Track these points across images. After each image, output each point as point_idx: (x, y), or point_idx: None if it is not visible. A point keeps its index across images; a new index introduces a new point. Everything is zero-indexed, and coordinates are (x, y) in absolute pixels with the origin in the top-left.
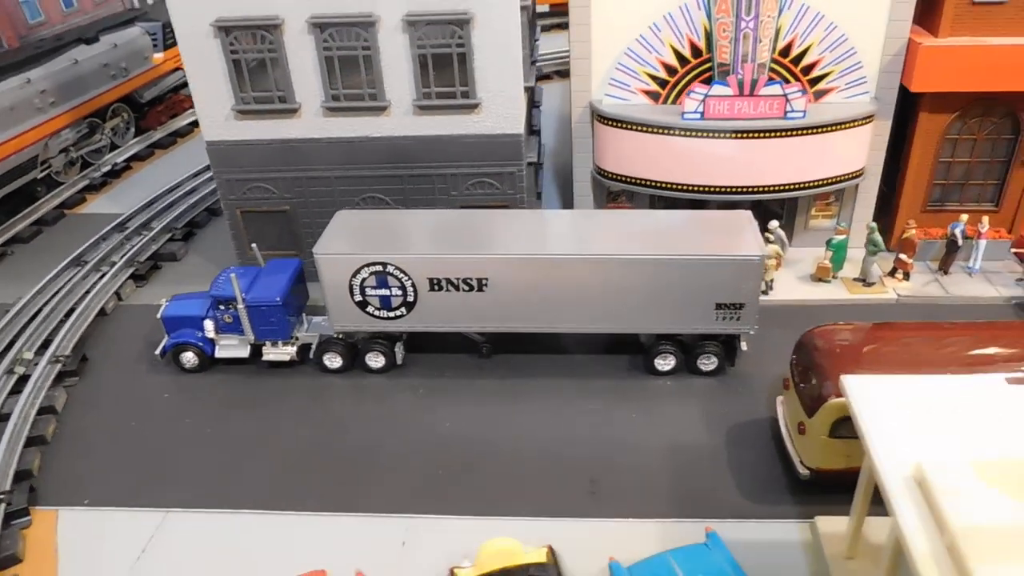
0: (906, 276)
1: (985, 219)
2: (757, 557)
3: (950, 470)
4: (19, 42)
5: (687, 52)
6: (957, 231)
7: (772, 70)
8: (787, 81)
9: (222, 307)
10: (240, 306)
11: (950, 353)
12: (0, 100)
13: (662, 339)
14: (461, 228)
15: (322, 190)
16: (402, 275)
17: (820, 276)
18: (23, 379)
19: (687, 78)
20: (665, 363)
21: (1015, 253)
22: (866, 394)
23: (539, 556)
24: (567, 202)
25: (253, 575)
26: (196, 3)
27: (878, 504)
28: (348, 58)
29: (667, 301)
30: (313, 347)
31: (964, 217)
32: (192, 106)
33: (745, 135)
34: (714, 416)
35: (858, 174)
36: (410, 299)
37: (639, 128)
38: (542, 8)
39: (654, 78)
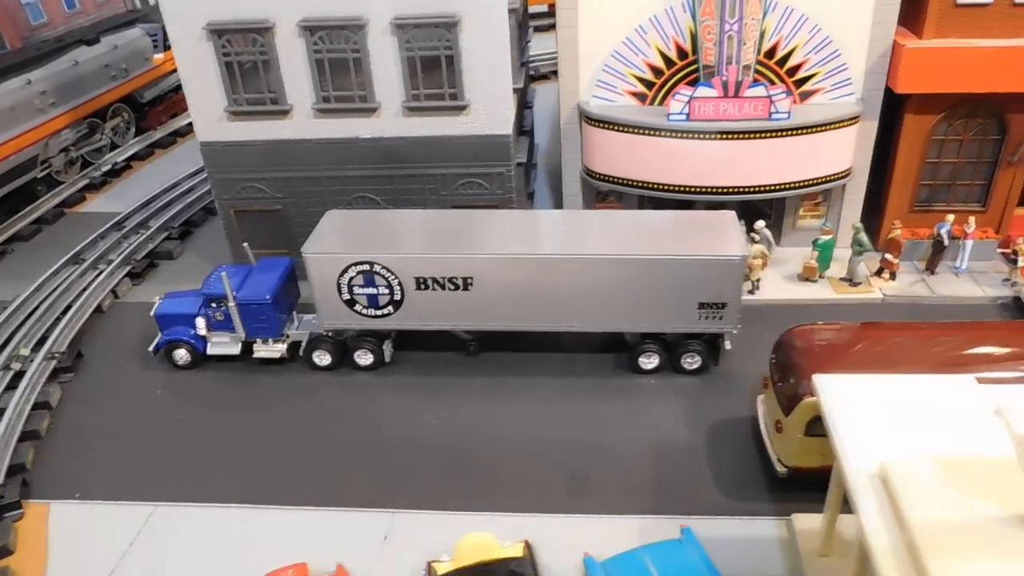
0: (892, 276)
1: (972, 219)
2: (734, 554)
3: (913, 468)
4: (21, 43)
5: (673, 54)
6: (943, 231)
7: (758, 72)
8: (772, 83)
9: (213, 305)
10: (231, 304)
11: (926, 353)
12: (1, 101)
13: (646, 338)
14: (448, 228)
15: (314, 190)
16: (389, 274)
17: (807, 276)
18: (19, 375)
19: (673, 80)
20: (649, 361)
21: (1002, 253)
22: (837, 393)
23: (515, 551)
24: (559, 202)
25: (235, 568)
26: (189, 7)
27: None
28: (338, 60)
29: (650, 300)
30: (303, 345)
31: (950, 217)
32: None
33: (731, 136)
34: (696, 414)
35: (844, 174)
36: (397, 298)
37: (626, 129)
38: (541, 8)
39: (641, 80)
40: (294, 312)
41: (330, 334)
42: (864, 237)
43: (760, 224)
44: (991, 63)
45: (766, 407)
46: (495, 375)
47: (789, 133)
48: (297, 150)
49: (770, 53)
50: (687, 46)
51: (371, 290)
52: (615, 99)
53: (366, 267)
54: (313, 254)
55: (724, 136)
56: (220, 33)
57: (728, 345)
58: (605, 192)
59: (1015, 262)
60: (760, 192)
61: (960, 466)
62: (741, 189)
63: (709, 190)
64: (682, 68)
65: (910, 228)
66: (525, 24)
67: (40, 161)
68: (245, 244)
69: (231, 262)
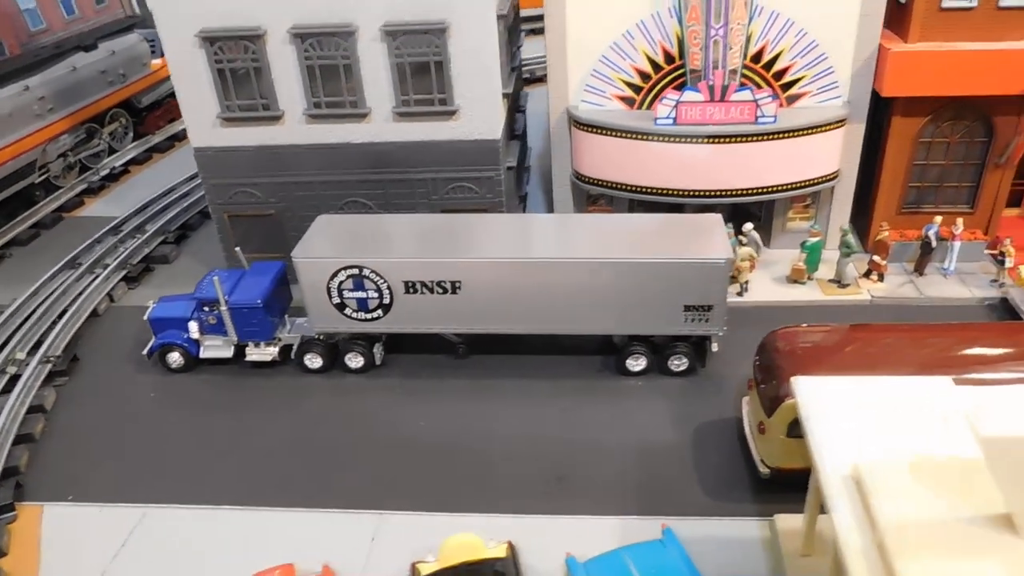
0: (880, 277)
1: (959, 221)
2: (717, 554)
3: (885, 469)
4: (20, 49)
5: (660, 59)
6: (931, 233)
7: (744, 76)
8: (758, 87)
9: (206, 309)
10: (223, 308)
11: (908, 355)
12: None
13: (633, 340)
14: (436, 232)
15: (306, 195)
16: (378, 278)
17: (795, 278)
18: (14, 379)
19: (661, 84)
20: (636, 363)
21: (990, 254)
22: (815, 395)
23: (499, 551)
24: (552, 205)
25: (223, 569)
26: (182, 15)
27: None
28: (329, 67)
29: (635, 303)
30: (294, 348)
31: (938, 219)
32: None
33: (718, 140)
34: (682, 416)
35: (832, 177)
36: (386, 301)
37: (614, 133)
38: (537, 12)
39: (629, 84)
40: (286, 316)
41: (321, 337)
42: (852, 239)
43: (748, 226)
44: (977, 66)
45: (750, 408)
46: (484, 377)
47: (776, 136)
48: (289, 155)
49: (756, 57)
50: (674, 51)
51: (360, 294)
52: (603, 103)
53: (355, 271)
54: (303, 259)
55: (711, 140)
56: (212, 41)
57: (715, 347)
58: (596, 196)
59: (1003, 263)
60: (748, 195)
61: (932, 467)
62: (730, 192)
63: (698, 193)
64: (669, 72)
65: (898, 230)
66: (516, 29)
67: (38, 166)
68: (237, 248)
69: (225, 266)
